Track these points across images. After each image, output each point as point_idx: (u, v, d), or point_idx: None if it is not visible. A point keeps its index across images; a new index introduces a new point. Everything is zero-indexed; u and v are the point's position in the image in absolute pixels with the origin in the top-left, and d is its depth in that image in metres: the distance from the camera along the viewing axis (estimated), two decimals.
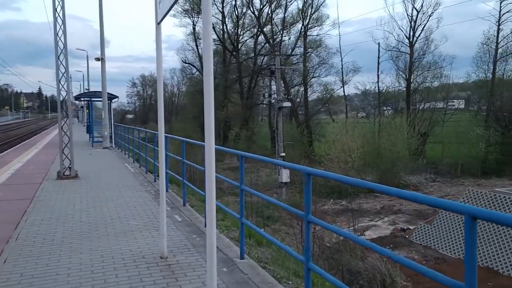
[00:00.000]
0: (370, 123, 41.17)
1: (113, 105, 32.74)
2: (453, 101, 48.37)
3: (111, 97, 25.09)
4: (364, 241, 3.38)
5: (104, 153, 19.95)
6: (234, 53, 54.01)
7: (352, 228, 21.43)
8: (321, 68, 50.31)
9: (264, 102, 56.87)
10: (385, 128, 31.81)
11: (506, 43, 38.53)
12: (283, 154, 28.38)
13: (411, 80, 42.57)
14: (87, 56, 62.31)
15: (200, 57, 58.45)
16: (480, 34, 48.62)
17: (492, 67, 39.56)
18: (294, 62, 47.59)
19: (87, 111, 27.14)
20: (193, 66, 60.89)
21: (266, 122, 58.19)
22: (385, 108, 46.00)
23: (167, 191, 10.95)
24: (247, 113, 51.31)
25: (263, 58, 53.85)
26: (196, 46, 57.32)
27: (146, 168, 13.01)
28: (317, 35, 49.67)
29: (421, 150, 38.15)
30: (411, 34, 43.15)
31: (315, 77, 49.68)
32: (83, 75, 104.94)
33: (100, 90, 23.39)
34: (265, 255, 6.12)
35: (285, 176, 26.99)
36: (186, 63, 61.25)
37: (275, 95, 50.23)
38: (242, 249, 5.26)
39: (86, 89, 52.30)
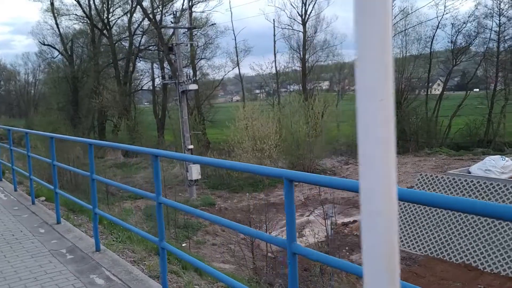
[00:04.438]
0: (270, 106, 38.22)
1: None
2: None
3: None
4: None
5: None
6: (105, 31, 46.59)
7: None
8: (207, 49, 45.85)
9: (145, 88, 50.61)
10: (297, 111, 29.01)
11: (397, 21, 38.44)
12: (191, 146, 23.47)
13: (306, 60, 40.61)
14: None
15: (62, 37, 49.45)
16: None
17: None
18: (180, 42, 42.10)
19: None
20: (54, 48, 51.61)
21: (146, 110, 51.87)
22: (283, 89, 43.57)
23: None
24: (126, 100, 44.73)
25: (141, 39, 47.49)
26: (57, 24, 48.28)
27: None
28: (203, 12, 44.82)
29: (321, 132, 36.53)
30: (303, 11, 41.00)
31: (203, 58, 45.07)
32: None
33: None
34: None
35: (195, 172, 22.21)
36: (45, 44, 51.61)
37: (160, 77, 44.87)
38: (97, 241, 5.01)
39: None
